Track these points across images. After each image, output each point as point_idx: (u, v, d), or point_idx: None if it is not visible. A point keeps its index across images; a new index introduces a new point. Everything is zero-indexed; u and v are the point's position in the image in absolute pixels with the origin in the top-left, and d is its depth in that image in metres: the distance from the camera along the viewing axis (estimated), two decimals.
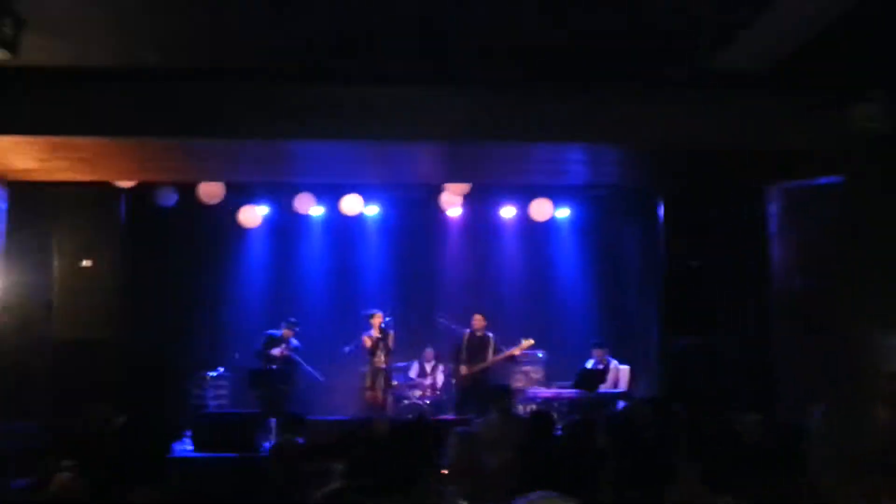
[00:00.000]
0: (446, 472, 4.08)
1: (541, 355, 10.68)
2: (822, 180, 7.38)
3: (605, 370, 9.90)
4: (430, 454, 3.22)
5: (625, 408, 8.75)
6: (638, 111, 6.73)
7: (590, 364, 9.94)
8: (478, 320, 10.11)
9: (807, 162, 7.32)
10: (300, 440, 6.87)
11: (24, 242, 8.09)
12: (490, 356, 10.00)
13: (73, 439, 4.74)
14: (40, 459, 4.74)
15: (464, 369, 10.00)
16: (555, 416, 7.11)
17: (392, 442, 3.36)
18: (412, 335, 10.95)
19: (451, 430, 5.04)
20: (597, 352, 10.04)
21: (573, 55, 6.25)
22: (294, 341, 10.10)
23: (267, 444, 9.08)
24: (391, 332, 10.21)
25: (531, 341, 9.97)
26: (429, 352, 10.57)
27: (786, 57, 5.89)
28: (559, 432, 6.06)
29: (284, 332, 10.05)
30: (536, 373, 10.79)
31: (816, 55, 5.87)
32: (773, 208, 8.22)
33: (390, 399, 10.23)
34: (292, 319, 10.20)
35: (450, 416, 9.53)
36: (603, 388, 9.70)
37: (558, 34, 5.92)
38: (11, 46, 5.26)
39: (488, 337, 10.09)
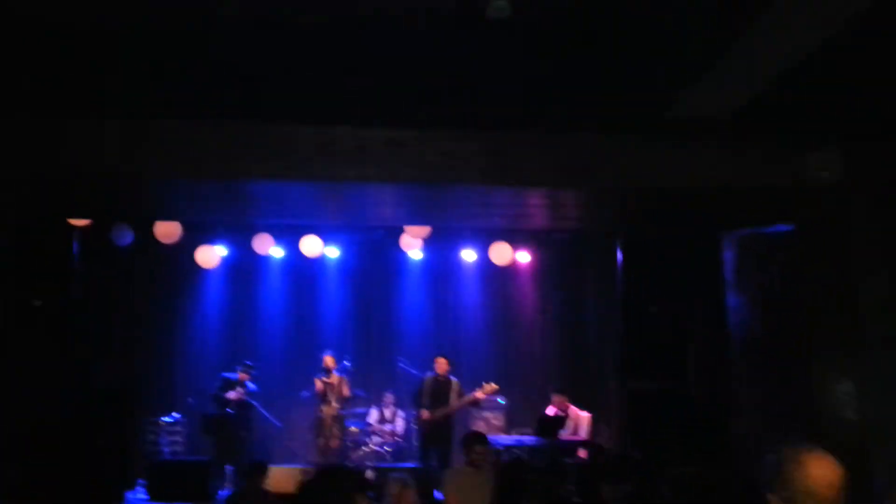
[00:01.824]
0: None
1: (502, 402, 10.61)
2: (776, 228, 7.49)
3: (565, 417, 9.83)
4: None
5: (590, 459, 8.72)
6: (598, 156, 6.79)
7: (550, 411, 9.87)
8: (441, 364, 9.70)
9: (761, 209, 7.44)
10: (262, 488, 6.71)
11: None
12: (454, 400, 9.60)
13: None
14: None
15: (425, 414, 9.53)
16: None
17: (307, 491, 3.20)
18: (371, 379, 10.83)
19: (389, 476, 4.94)
20: (556, 398, 9.95)
21: (534, 101, 6.32)
22: (250, 385, 9.92)
23: (222, 493, 8.88)
24: (344, 377, 10.02)
25: (495, 386, 9.65)
26: (388, 396, 10.38)
27: (742, 106, 6.01)
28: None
29: (240, 375, 9.86)
30: (497, 419, 10.71)
31: (771, 105, 6.00)
32: (729, 255, 8.32)
33: (347, 445, 10.01)
34: (248, 363, 10.03)
35: (409, 464, 9.36)
36: (564, 434, 9.63)
37: (518, 81, 6.00)
38: None
39: (452, 381, 9.71)
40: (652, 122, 6.40)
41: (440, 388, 9.66)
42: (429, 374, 9.77)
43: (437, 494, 7.47)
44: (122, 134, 6.54)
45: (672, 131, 6.56)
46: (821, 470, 2.36)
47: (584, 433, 9.84)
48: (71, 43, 5.34)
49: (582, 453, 9.21)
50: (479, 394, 9.61)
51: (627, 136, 6.73)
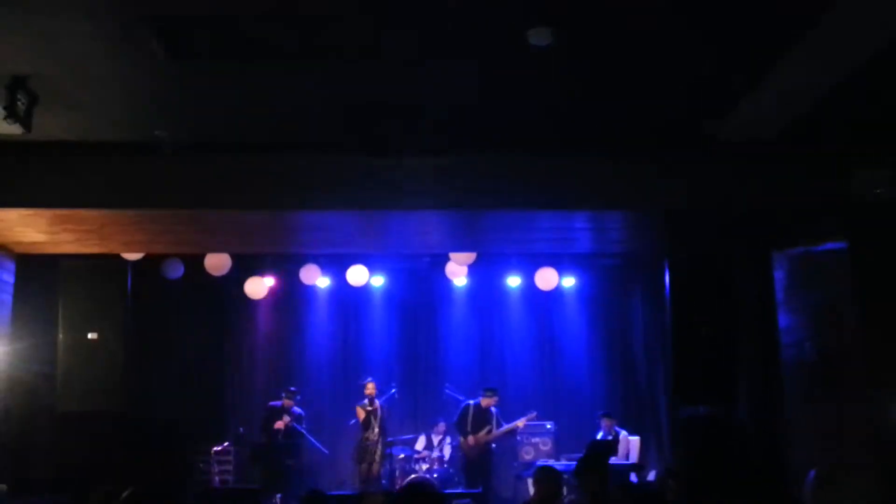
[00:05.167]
0: None
1: (549, 426, 10.54)
2: (828, 246, 7.37)
3: (616, 441, 9.74)
4: None
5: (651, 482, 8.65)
6: (643, 178, 6.78)
7: (600, 435, 9.79)
8: (488, 398, 10.03)
9: (812, 228, 7.33)
10: None
11: (30, 314, 8.12)
12: (493, 429, 9.94)
13: None
14: None
15: (472, 439, 9.88)
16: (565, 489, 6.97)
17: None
18: (418, 406, 10.84)
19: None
20: (605, 422, 9.93)
21: (578, 125, 6.34)
22: (296, 409, 10.00)
23: None
24: (382, 404, 10.09)
25: (533, 414, 10.07)
26: (441, 425, 10.42)
27: (789, 124, 5.96)
28: None
29: (284, 402, 9.95)
30: (545, 444, 10.64)
31: (820, 122, 5.94)
32: (780, 275, 8.19)
33: (392, 471, 10.03)
34: (292, 388, 10.15)
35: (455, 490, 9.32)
36: (614, 459, 9.51)
37: (561, 106, 6.03)
38: (25, 122, 5.37)
39: (492, 411, 10.05)
40: (698, 142, 6.38)
41: (482, 416, 9.98)
42: (471, 402, 10.04)
43: None
44: (169, 168, 6.72)
45: (718, 151, 6.53)
46: (855, 491, 2.21)
47: (634, 457, 9.74)
48: None
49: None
50: (518, 423, 10.03)
51: (672, 157, 6.72)
